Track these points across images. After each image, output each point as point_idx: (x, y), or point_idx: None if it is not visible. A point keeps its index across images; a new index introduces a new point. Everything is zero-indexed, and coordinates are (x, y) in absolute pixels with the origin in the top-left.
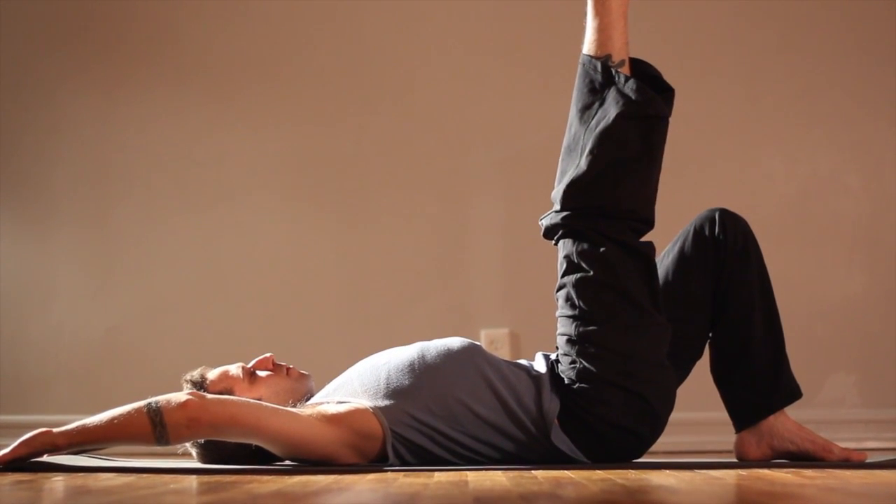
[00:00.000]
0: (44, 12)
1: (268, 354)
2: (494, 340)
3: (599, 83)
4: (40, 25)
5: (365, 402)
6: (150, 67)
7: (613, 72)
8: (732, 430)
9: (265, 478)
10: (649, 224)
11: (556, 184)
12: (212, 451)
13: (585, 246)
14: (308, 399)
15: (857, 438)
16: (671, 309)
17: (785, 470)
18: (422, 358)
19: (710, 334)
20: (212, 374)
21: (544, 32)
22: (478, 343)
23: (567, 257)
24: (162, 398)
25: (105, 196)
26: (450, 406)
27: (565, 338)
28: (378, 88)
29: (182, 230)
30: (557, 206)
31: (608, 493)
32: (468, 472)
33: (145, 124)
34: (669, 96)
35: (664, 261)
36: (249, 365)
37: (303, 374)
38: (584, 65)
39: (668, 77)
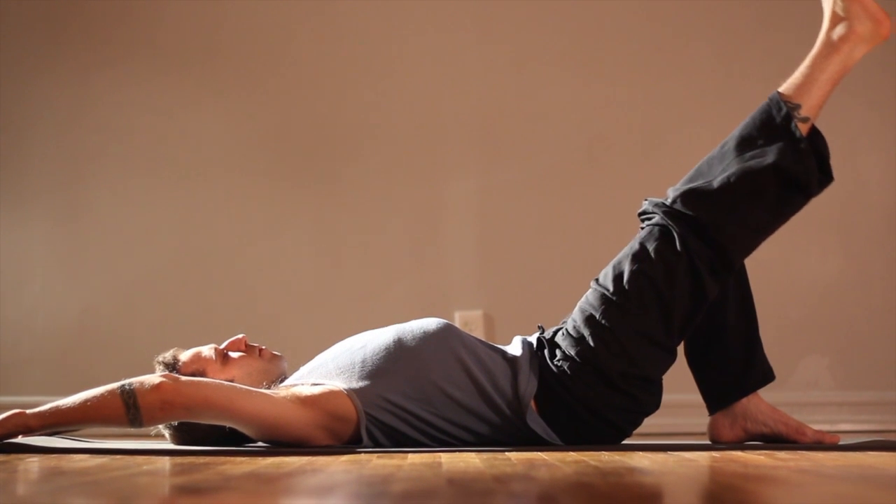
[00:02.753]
0: None
1: (240, 335)
2: (469, 322)
3: (775, 125)
4: (10, 5)
5: (339, 384)
6: (124, 46)
7: (794, 125)
8: (706, 412)
9: (238, 459)
10: (730, 270)
11: (679, 181)
12: (185, 433)
13: (665, 246)
14: (282, 381)
15: (831, 421)
16: None
17: (758, 452)
18: (398, 341)
19: None
20: (184, 356)
21: (522, 14)
22: (454, 324)
23: (642, 243)
24: (135, 380)
25: (78, 176)
26: (424, 389)
27: (587, 313)
28: (353, 69)
29: (156, 211)
30: (667, 200)
31: (582, 475)
32: (442, 454)
33: (119, 104)
34: (826, 181)
35: None
36: (222, 346)
37: (276, 355)
38: (771, 100)
39: (641, 61)
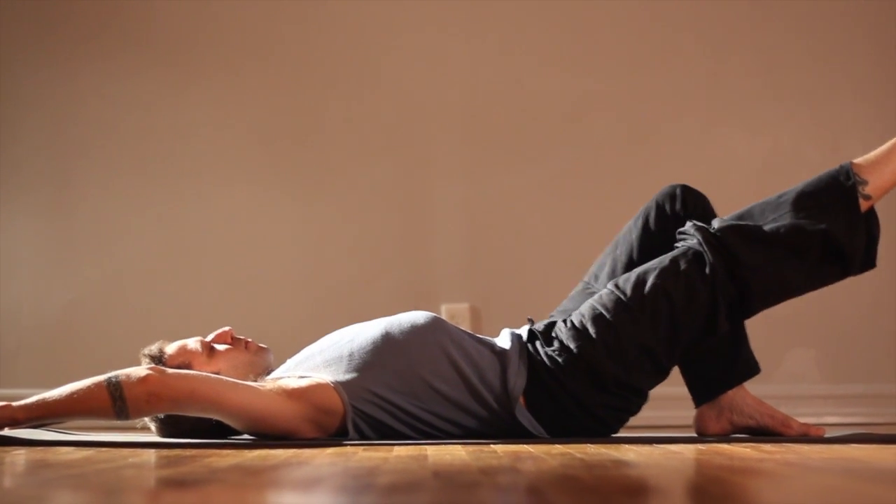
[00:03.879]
0: None
1: (226, 328)
2: (455, 315)
3: (838, 193)
4: None
5: (326, 377)
6: (111, 39)
7: (857, 197)
8: (692, 404)
9: (224, 452)
10: (745, 315)
11: (729, 215)
12: (171, 426)
13: (694, 271)
14: (269, 373)
15: (817, 414)
16: None
17: (744, 445)
18: (385, 334)
19: None
20: (170, 349)
21: (510, 7)
22: (441, 318)
23: (673, 260)
24: (122, 373)
25: (65, 170)
26: (411, 383)
27: (597, 311)
28: (340, 62)
29: (142, 204)
30: (711, 226)
31: (567, 468)
32: (428, 447)
33: (106, 98)
34: (868, 265)
35: (629, 237)
36: (208, 339)
37: (262, 347)
38: (842, 167)
39: (629, 55)
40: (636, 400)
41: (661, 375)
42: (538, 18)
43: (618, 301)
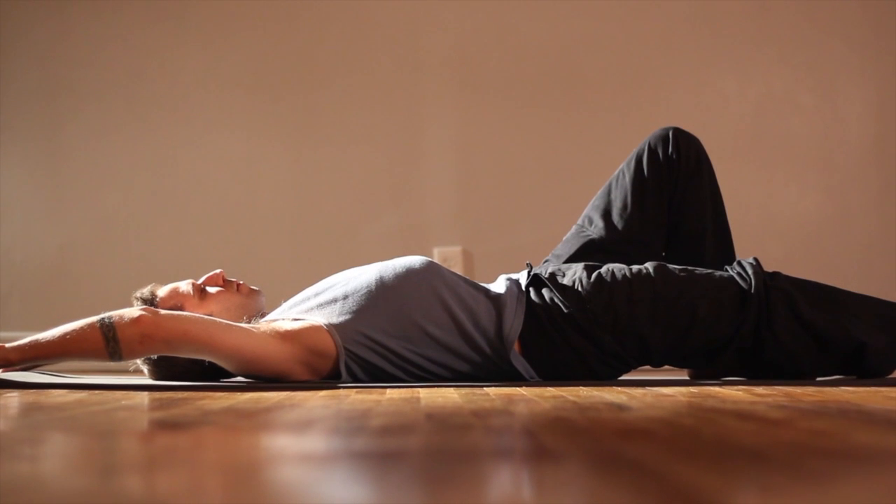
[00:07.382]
0: None
1: (218, 271)
2: (447, 258)
3: None
4: None
5: (319, 320)
6: None
7: None
8: None
9: (217, 394)
10: (745, 366)
11: (798, 278)
12: (164, 368)
13: (728, 303)
14: (262, 316)
15: None
16: (633, 231)
17: (736, 387)
18: (380, 278)
19: (664, 253)
20: (162, 291)
21: None
22: (436, 262)
23: (720, 284)
24: (115, 313)
25: (57, 112)
26: (404, 326)
27: (627, 284)
28: (332, 5)
29: (134, 147)
30: (773, 278)
31: (560, 410)
32: (420, 389)
33: (97, 40)
34: (875, 375)
35: (623, 180)
36: (199, 281)
37: (253, 289)
38: None
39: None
40: (622, 367)
41: (647, 364)
42: None
43: (651, 287)
